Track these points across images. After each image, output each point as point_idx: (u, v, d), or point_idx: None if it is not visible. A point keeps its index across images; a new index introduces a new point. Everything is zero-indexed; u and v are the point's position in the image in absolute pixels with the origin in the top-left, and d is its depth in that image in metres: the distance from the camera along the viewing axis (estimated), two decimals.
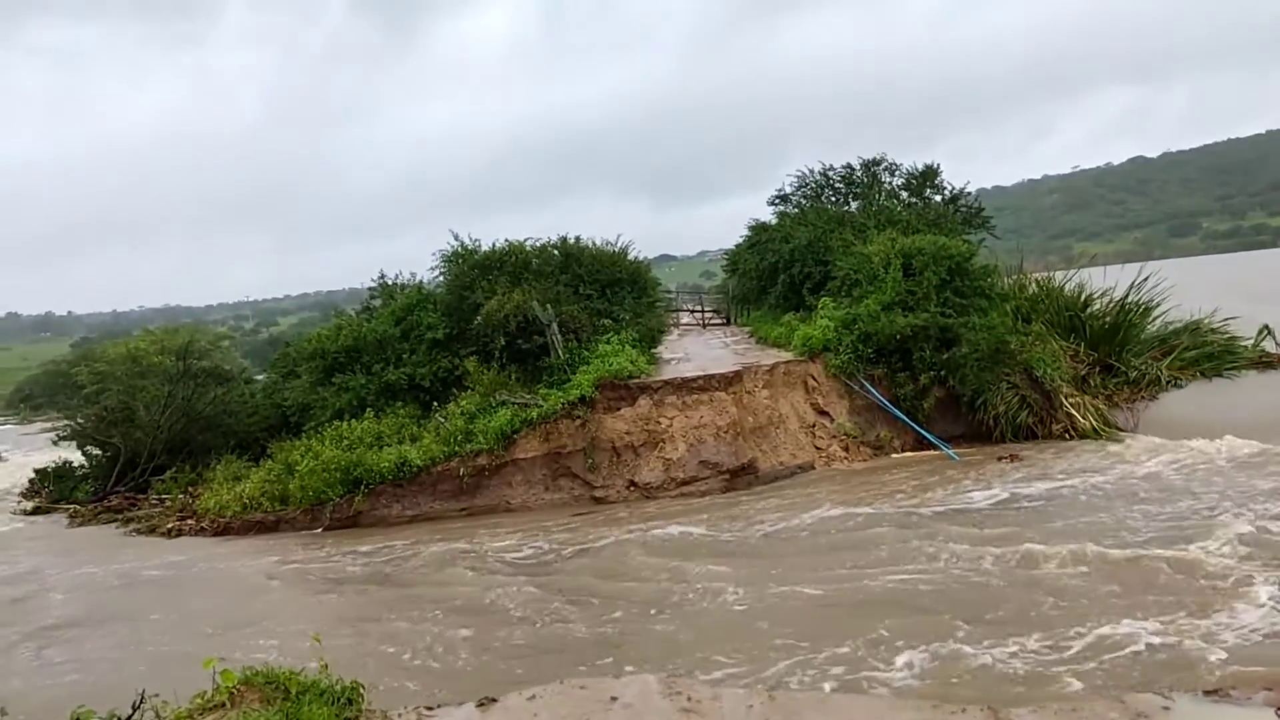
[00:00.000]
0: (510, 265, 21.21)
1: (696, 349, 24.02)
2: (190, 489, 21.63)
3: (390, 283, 24.32)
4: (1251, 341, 21.16)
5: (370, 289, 25.45)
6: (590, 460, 17.31)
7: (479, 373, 18.97)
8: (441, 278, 22.25)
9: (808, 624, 9.42)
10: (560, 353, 19.03)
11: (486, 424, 17.47)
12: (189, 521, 19.21)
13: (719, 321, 34.93)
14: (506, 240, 22.06)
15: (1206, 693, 4.62)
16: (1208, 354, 20.36)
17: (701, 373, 18.43)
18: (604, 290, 21.40)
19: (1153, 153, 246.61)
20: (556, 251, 22.02)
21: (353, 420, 19.27)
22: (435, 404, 19.18)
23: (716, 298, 38.83)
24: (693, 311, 36.94)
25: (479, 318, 19.53)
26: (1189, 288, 23.92)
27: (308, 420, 20.75)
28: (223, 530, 18.22)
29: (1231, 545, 10.59)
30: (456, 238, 22.12)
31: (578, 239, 22.57)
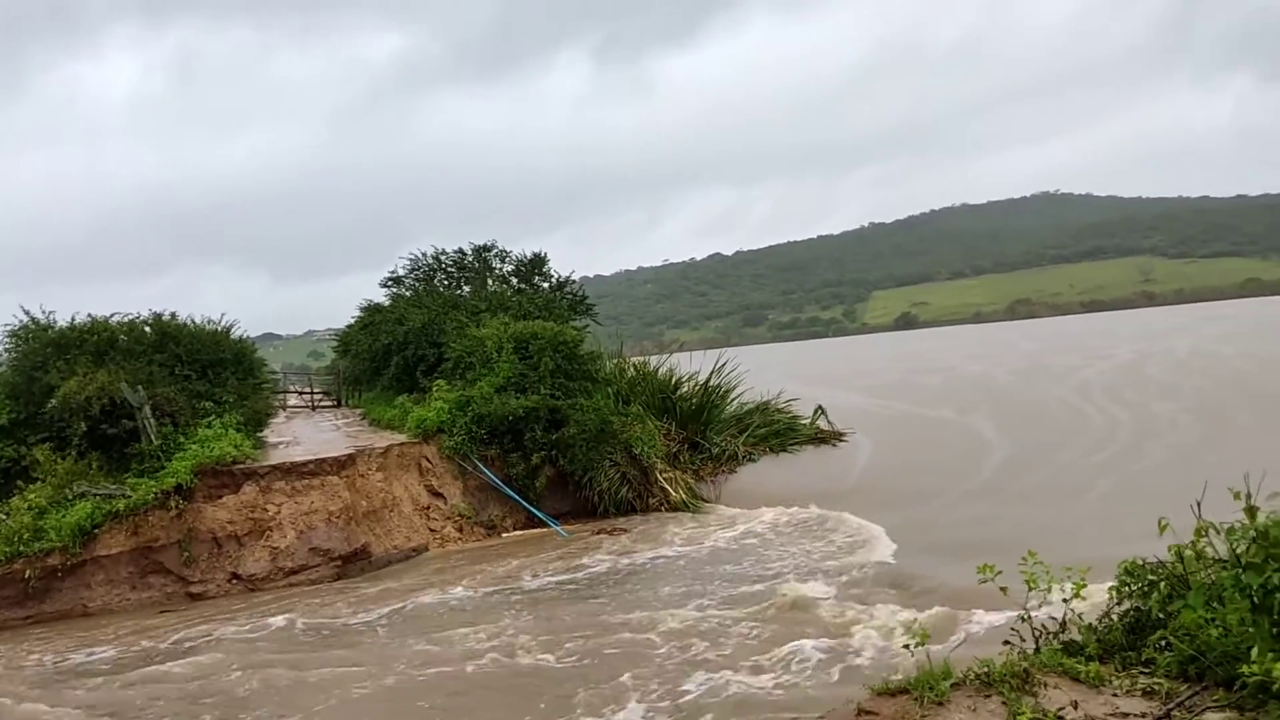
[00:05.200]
0: (93, 343, 19.23)
1: (306, 432, 23.22)
2: None
3: None
4: (809, 420, 24.45)
5: None
6: (186, 553, 16.03)
7: (51, 462, 16.91)
8: (6, 356, 19.62)
9: None
10: (153, 438, 17.50)
11: (60, 519, 15.56)
12: None
13: (329, 403, 33.89)
14: (90, 316, 20.02)
15: None
16: (775, 431, 23.24)
17: (313, 456, 17.87)
18: (205, 371, 20.05)
19: (729, 250, 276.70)
20: (149, 329, 20.35)
21: None
22: None
23: (326, 379, 37.67)
24: (301, 393, 35.50)
25: (54, 401, 17.45)
26: (759, 372, 27.25)
27: None
28: None
29: (792, 597, 12.14)
30: (27, 313, 19.74)
31: (174, 315, 21.08)
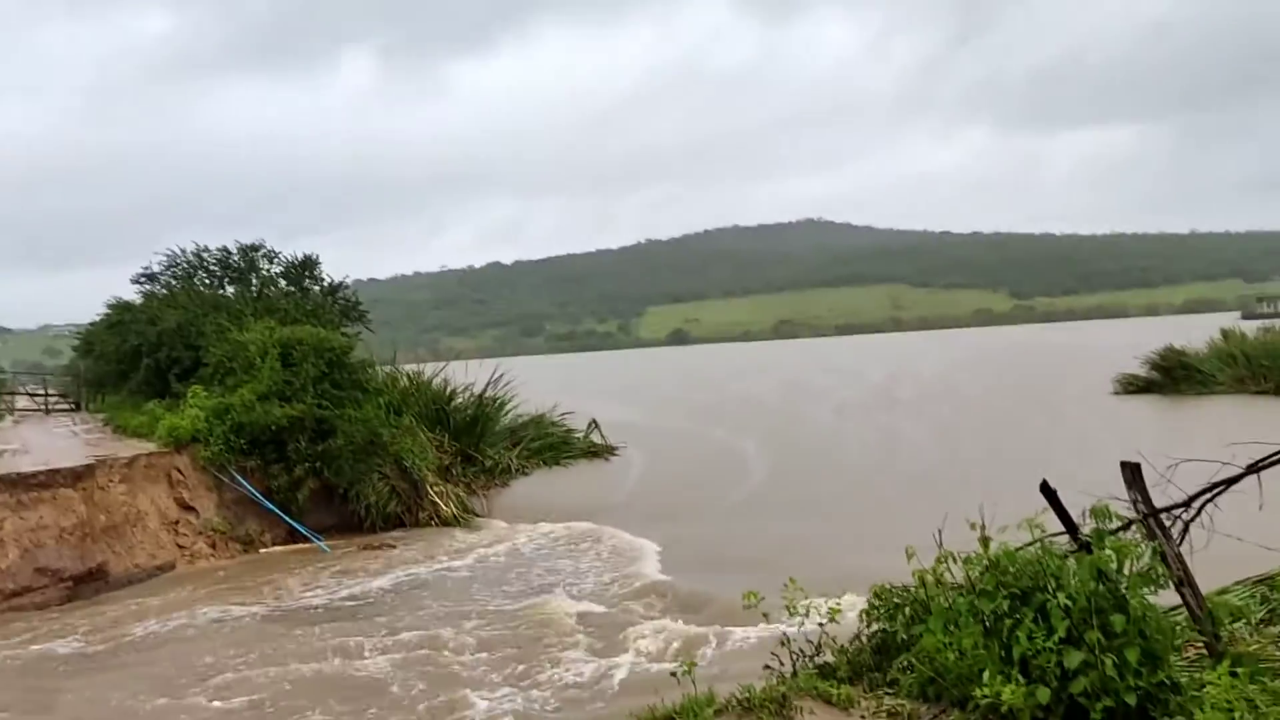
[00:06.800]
0: None
1: (38, 439, 21.20)
2: None
3: None
4: (583, 434, 24.74)
5: None
6: None
7: None
8: None
9: None
10: None
11: None
12: None
13: (67, 407, 31.02)
14: None
15: None
16: (550, 444, 23.41)
17: (43, 466, 16.26)
18: None
19: (509, 260, 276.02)
20: None
21: None
22: None
23: (64, 380, 34.49)
24: (34, 395, 32.31)
25: None
26: (536, 384, 27.32)
27: None
28: None
29: (561, 614, 12.20)
30: None
31: None
